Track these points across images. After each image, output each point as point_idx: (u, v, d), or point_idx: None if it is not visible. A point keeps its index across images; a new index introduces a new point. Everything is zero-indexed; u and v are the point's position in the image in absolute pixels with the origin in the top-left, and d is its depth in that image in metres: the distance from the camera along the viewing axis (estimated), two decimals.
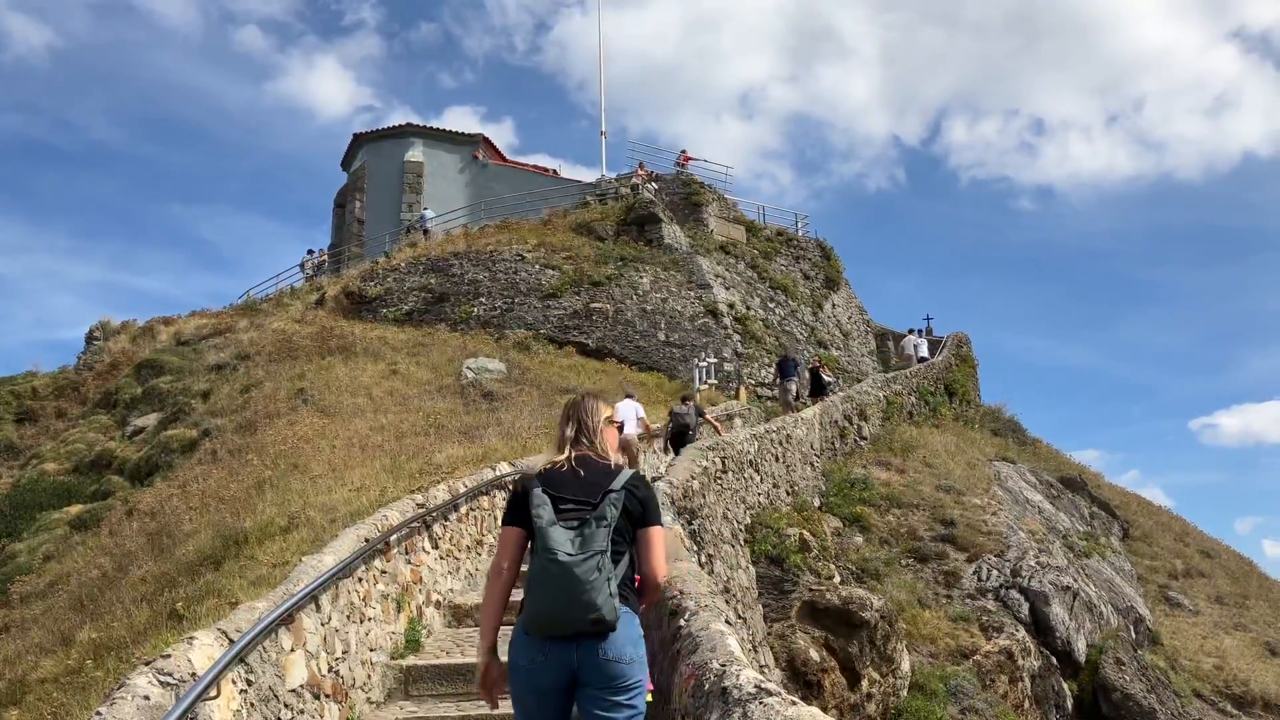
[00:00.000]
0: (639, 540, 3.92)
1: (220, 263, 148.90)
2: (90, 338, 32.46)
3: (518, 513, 3.90)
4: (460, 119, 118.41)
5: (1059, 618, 17.30)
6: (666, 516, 7.69)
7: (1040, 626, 17.07)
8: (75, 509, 20.36)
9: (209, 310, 33.07)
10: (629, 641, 3.76)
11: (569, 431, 4.07)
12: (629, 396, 15.53)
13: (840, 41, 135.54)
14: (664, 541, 4.08)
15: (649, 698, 3.93)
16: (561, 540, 3.69)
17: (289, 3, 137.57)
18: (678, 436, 16.00)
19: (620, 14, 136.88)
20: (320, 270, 36.91)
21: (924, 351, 33.49)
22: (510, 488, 4.11)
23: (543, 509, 3.78)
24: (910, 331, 35.63)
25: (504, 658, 3.89)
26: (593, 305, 27.73)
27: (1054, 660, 16.85)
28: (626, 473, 3.96)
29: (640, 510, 3.91)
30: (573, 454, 3.99)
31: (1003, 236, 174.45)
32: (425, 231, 34.70)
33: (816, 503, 19.06)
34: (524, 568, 3.95)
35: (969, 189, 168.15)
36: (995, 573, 17.90)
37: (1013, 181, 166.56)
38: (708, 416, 17.26)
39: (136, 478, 21.32)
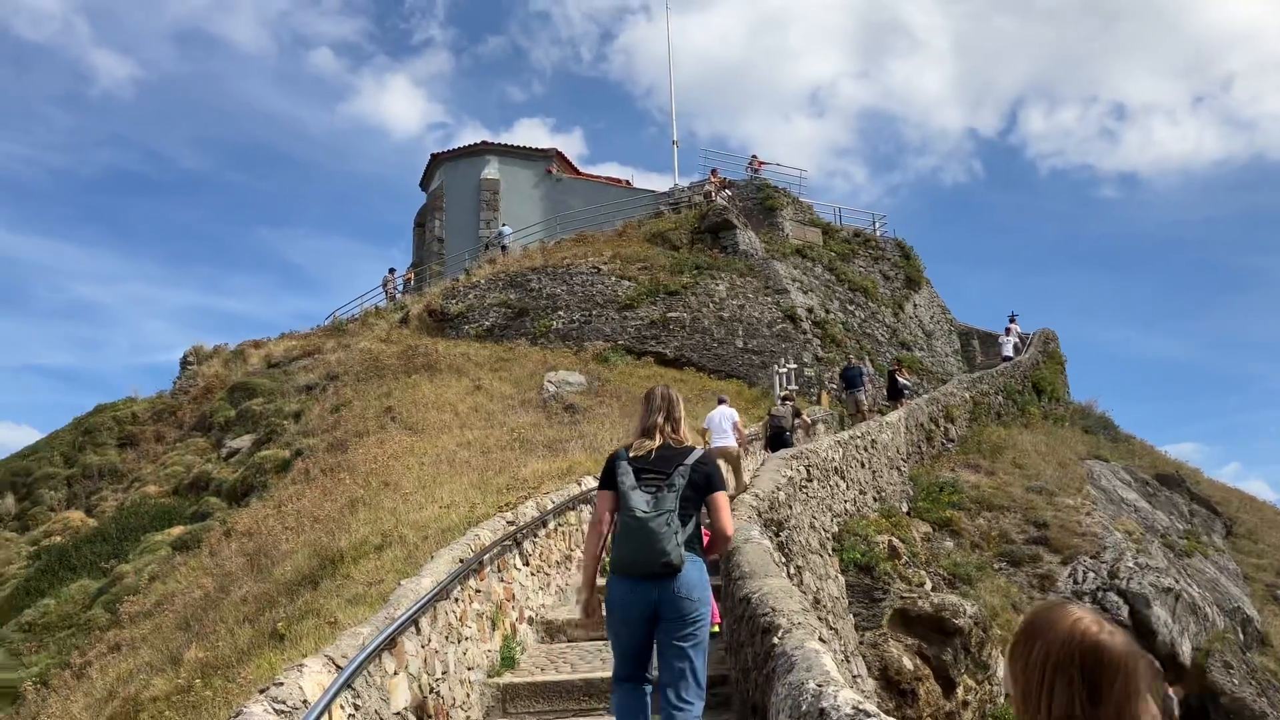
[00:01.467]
0: (708, 504, 4.85)
1: (307, 284, 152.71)
2: (185, 362, 33.53)
3: (608, 478, 4.93)
4: (530, 131, 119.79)
5: (1161, 620, 16.82)
6: (754, 530, 7.70)
7: (1142, 630, 16.61)
8: (176, 530, 21.06)
9: (297, 332, 33.96)
10: (695, 584, 4.73)
11: (659, 419, 4.99)
12: (721, 402, 15.56)
13: (910, 34, 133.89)
14: (727, 503, 4.95)
15: (715, 629, 5.29)
16: (639, 501, 4.71)
17: (359, 24, 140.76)
18: (775, 438, 16.00)
19: (685, 18, 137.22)
20: (405, 289, 37.62)
21: (1008, 350, 32.87)
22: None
23: (626, 476, 4.81)
24: (1006, 331, 34.87)
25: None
26: (669, 315, 27.80)
27: (1158, 664, 16.36)
28: (697, 451, 4.94)
29: (705, 481, 4.84)
30: (660, 440, 4.94)
31: (1086, 227, 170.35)
32: (503, 248, 35.15)
33: (904, 508, 18.83)
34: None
35: (1049, 179, 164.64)
36: (1092, 575, 17.49)
37: (1095, 170, 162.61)
38: (804, 417, 17.23)
39: (233, 498, 21.99)
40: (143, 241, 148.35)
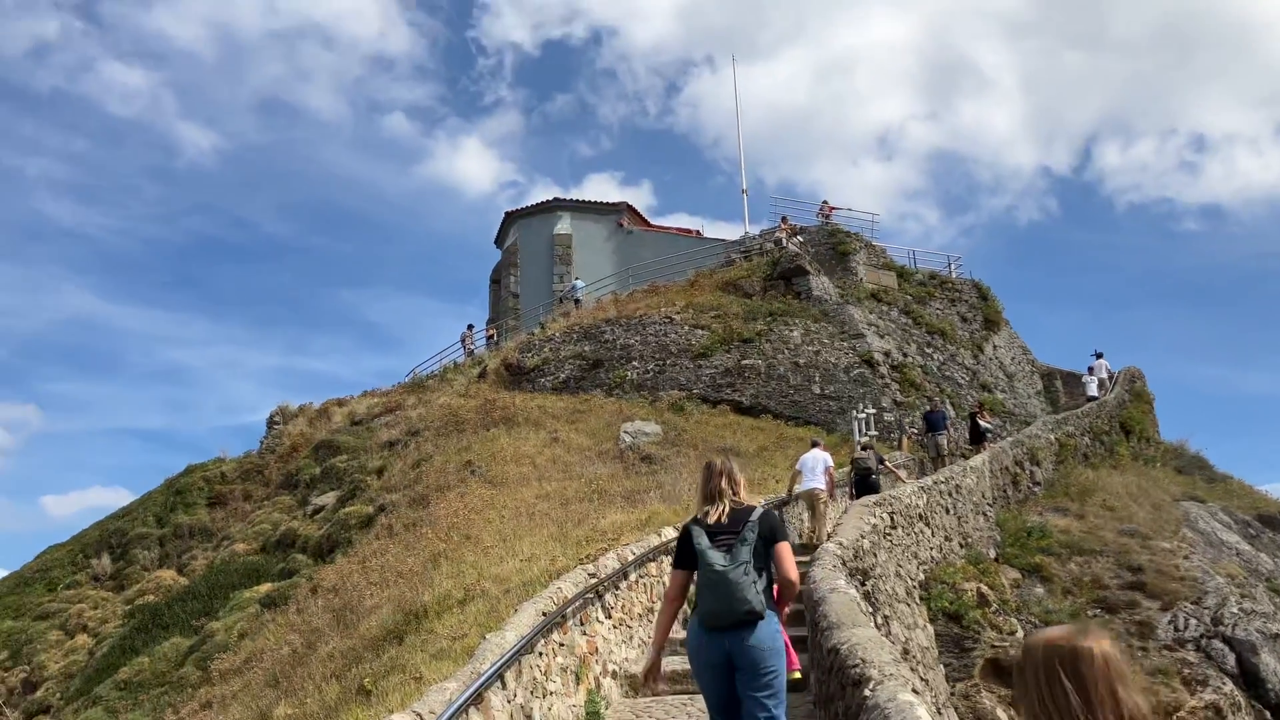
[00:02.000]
0: (773, 554, 5.16)
1: (386, 342, 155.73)
2: (271, 422, 34.31)
3: (683, 555, 5.29)
4: (600, 185, 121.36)
5: (1270, 669, 16.07)
6: (840, 579, 7.56)
7: (1250, 679, 15.88)
8: (265, 587, 21.42)
9: (378, 390, 34.58)
10: (769, 635, 5.02)
11: (722, 484, 5.35)
12: (815, 445, 15.57)
13: (978, 73, 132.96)
14: (790, 552, 5.29)
15: (796, 675, 5.61)
16: (716, 557, 5.06)
17: (431, 88, 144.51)
18: (861, 482, 15.92)
19: (749, 67, 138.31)
20: (489, 343, 38.14)
21: (1093, 390, 32.05)
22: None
23: (701, 539, 5.17)
24: (1090, 371, 34.05)
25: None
26: (744, 362, 27.70)
27: (1268, 715, 15.62)
28: (759, 509, 5.30)
29: (770, 533, 5.19)
30: (724, 506, 5.29)
31: (1170, 261, 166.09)
32: (577, 301, 35.50)
33: (992, 554, 18.35)
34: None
35: (1127, 214, 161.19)
36: (1194, 621, 16.80)
37: (1175, 203, 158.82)
38: (887, 464, 17.10)
39: (319, 555, 22.33)
40: (230, 306, 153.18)
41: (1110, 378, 33.37)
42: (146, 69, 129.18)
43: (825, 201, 37.57)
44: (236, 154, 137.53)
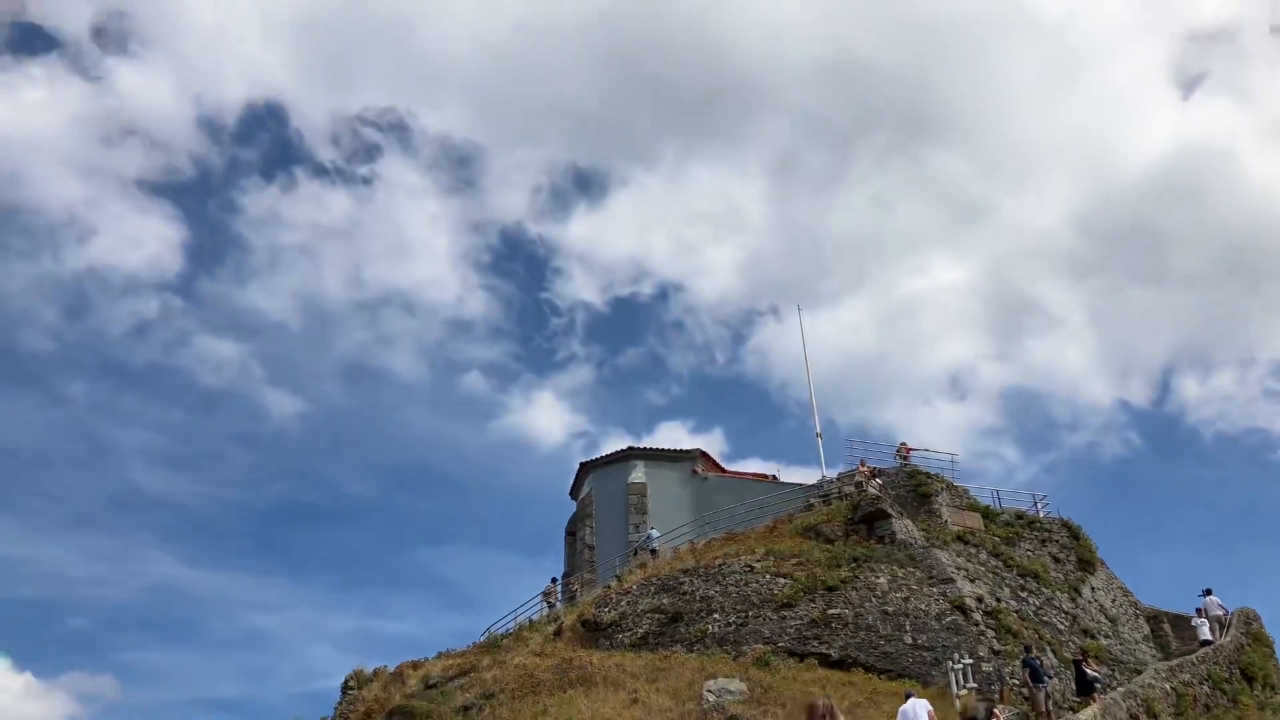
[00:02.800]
0: None
1: (463, 601, 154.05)
2: (345, 687, 33.54)
3: None
4: (671, 433, 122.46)
5: None
6: None
7: None
8: None
9: (454, 651, 33.80)
10: None
11: None
12: (909, 697, 15.04)
13: (1045, 312, 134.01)
14: None
15: None
16: None
17: (506, 347, 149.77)
18: None
19: (813, 315, 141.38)
20: (569, 598, 37.51)
21: (1206, 633, 30.13)
22: None
23: None
24: (1199, 611, 32.18)
25: None
26: (830, 612, 26.67)
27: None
28: None
29: None
30: None
31: (1269, 493, 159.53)
32: (653, 551, 34.97)
33: None
34: None
35: (1216, 445, 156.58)
36: None
37: (1267, 432, 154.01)
38: (997, 715, 16.26)
39: None
40: (311, 568, 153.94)
41: (1224, 614, 31.47)
42: (238, 340, 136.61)
43: (903, 444, 37.27)
44: (322, 418, 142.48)
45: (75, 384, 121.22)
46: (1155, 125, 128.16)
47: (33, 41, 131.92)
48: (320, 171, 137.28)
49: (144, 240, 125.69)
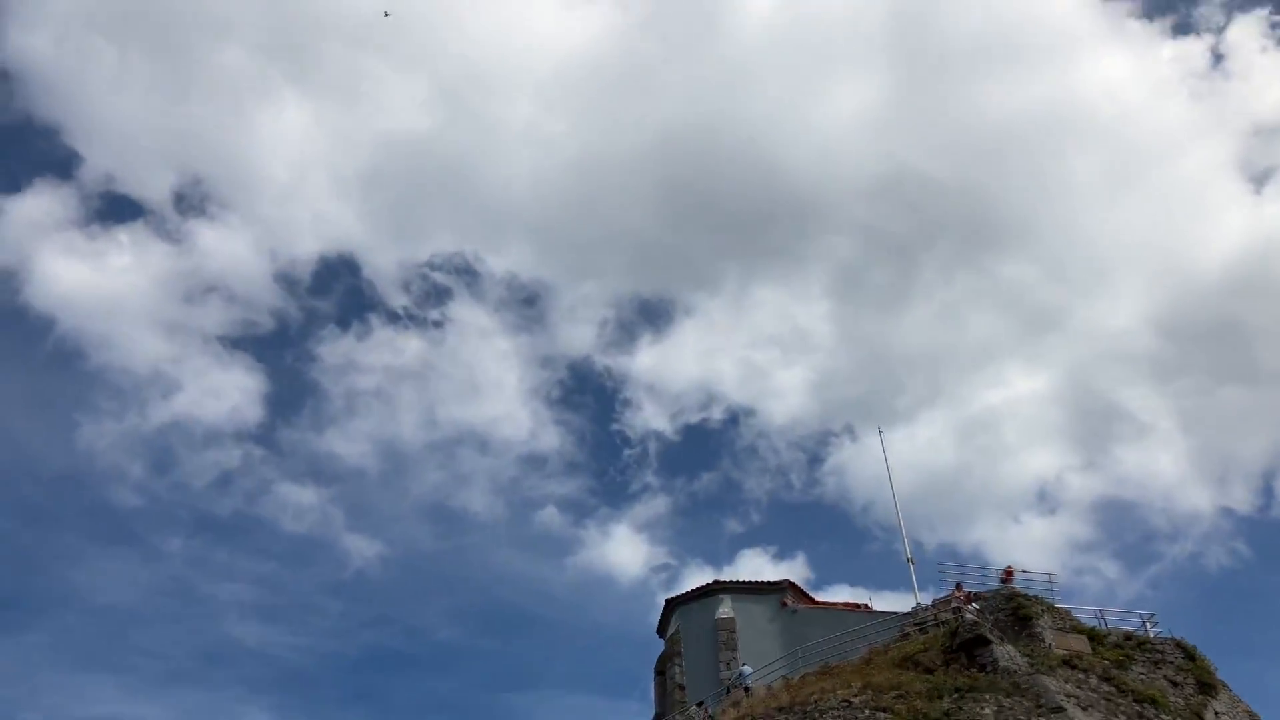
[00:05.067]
0: None
1: None
2: None
3: None
4: (752, 561, 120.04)
5: None
6: None
7: None
8: None
9: None
10: None
11: None
12: None
13: (1132, 419, 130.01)
14: None
15: None
16: None
17: (581, 481, 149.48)
18: None
19: (891, 433, 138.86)
20: None
21: None
22: None
23: None
24: None
25: None
26: None
27: None
28: None
29: None
30: None
31: None
32: (746, 688, 33.95)
33: None
34: None
35: None
36: None
37: None
38: None
39: None
40: (402, 716, 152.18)
41: None
42: (317, 486, 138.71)
43: (1009, 566, 36.07)
44: (403, 561, 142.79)
45: (171, 539, 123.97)
46: (1228, 220, 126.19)
47: (121, 210, 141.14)
48: (393, 318, 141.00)
49: (225, 391, 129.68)
